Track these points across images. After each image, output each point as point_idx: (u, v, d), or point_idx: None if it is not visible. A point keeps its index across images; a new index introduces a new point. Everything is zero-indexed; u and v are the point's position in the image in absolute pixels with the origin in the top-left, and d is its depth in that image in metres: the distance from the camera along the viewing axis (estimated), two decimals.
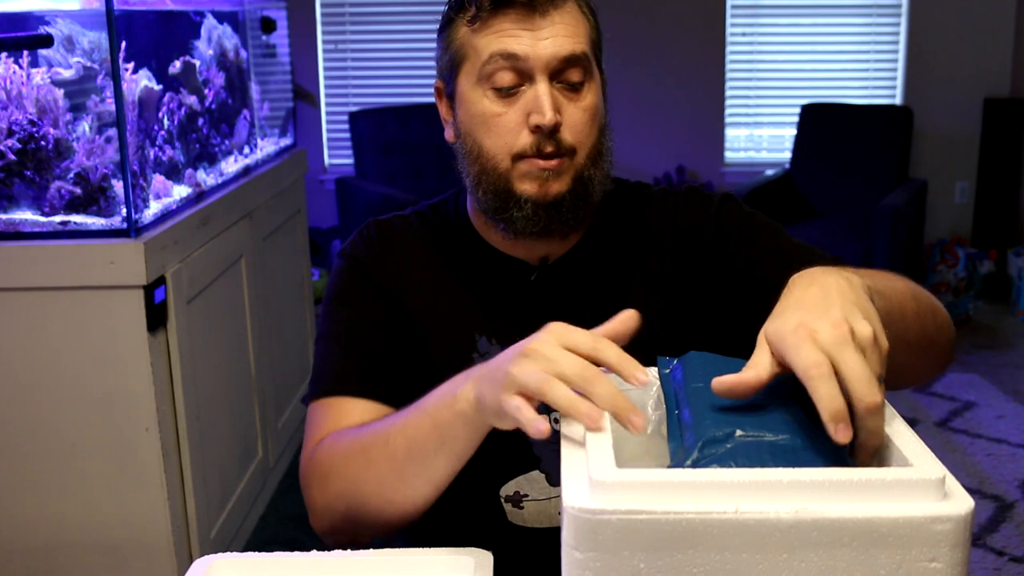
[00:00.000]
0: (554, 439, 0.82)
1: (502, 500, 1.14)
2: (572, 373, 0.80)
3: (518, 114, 1.06)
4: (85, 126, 2.12)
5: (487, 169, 1.08)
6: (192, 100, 2.57)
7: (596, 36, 1.12)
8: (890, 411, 0.80)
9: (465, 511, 1.13)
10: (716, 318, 1.16)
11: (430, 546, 1.10)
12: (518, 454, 1.14)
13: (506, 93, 1.06)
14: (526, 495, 1.14)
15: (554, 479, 1.13)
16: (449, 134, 1.16)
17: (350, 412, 1.09)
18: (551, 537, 0.70)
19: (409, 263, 1.18)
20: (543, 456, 1.14)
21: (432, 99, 1.24)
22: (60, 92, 2.10)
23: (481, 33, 1.07)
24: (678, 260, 1.18)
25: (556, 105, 1.05)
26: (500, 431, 0.89)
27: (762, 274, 1.12)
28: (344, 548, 0.96)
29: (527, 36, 1.04)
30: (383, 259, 1.18)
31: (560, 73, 1.06)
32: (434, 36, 1.22)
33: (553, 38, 1.05)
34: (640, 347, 0.90)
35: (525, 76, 1.06)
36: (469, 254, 1.19)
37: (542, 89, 1.05)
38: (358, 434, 1.02)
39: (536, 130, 1.05)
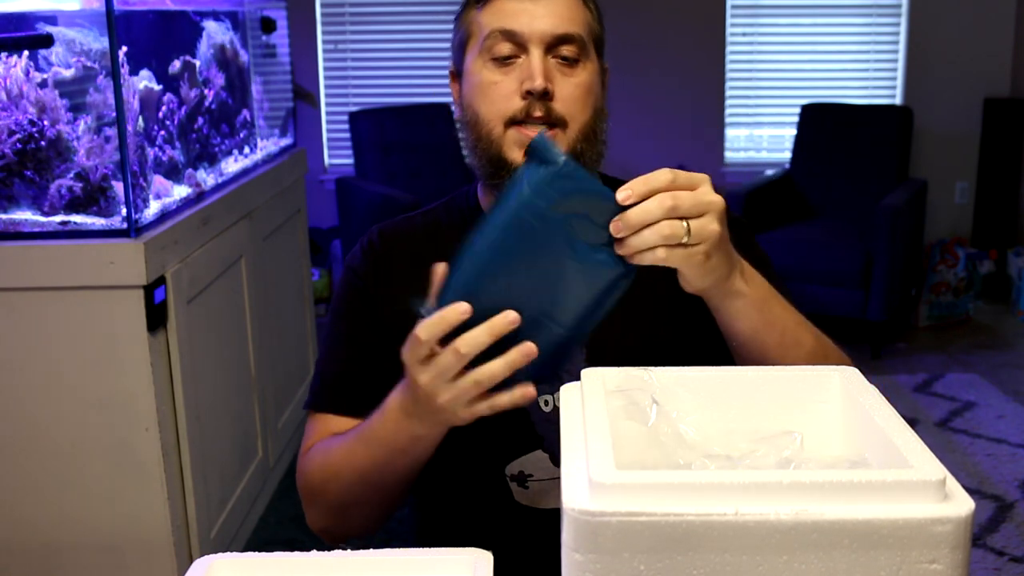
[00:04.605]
0: (554, 418, 0.83)
1: (507, 479, 1.17)
2: (457, 365, 0.89)
3: (513, 82, 1.12)
4: (84, 126, 2.11)
5: (482, 136, 1.14)
6: (192, 100, 2.57)
7: (597, 27, 1.18)
8: (890, 411, 0.80)
9: (472, 491, 1.18)
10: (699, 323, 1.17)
11: (438, 527, 1.18)
12: (521, 434, 1.17)
13: (503, 63, 1.13)
14: (530, 475, 1.17)
15: (557, 459, 1.15)
16: (457, 112, 1.22)
17: (334, 428, 1.18)
18: (556, 518, 0.71)
19: (409, 267, 1.21)
20: (545, 435, 1.16)
21: (432, 99, 1.29)
22: (60, 92, 2.10)
23: (485, 11, 1.15)
24: None
25: (548, 75, 1.12)
26: (503, 413, 0.96)
27: None
28: (343, 544, 0.98)
29: (524, 13, 1.12)
30: (383, 269, 1.23)
31: (555, 48, 1.13)
32: (434, 36, 1.26)
33: (549, 16, 1.12)
34: (644, 339, 0.93)
35: (521, 48, 1.13)
36: None
37: (535, 57, 1.12)
38: (327, 457, 1.13)
39: (527, 95, 1.11)
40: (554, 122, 1.12)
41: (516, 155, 1.12)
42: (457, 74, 1.21)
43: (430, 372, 0.90)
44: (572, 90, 1.12)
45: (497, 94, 1.12)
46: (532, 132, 1.11)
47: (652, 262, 0.89)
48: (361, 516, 1.14)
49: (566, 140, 1.12)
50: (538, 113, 1.11)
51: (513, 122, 1.12)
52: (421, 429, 0.99)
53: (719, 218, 0.90)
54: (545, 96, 1.10)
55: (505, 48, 1.12)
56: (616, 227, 0.87)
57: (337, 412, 1.19)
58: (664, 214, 0.87)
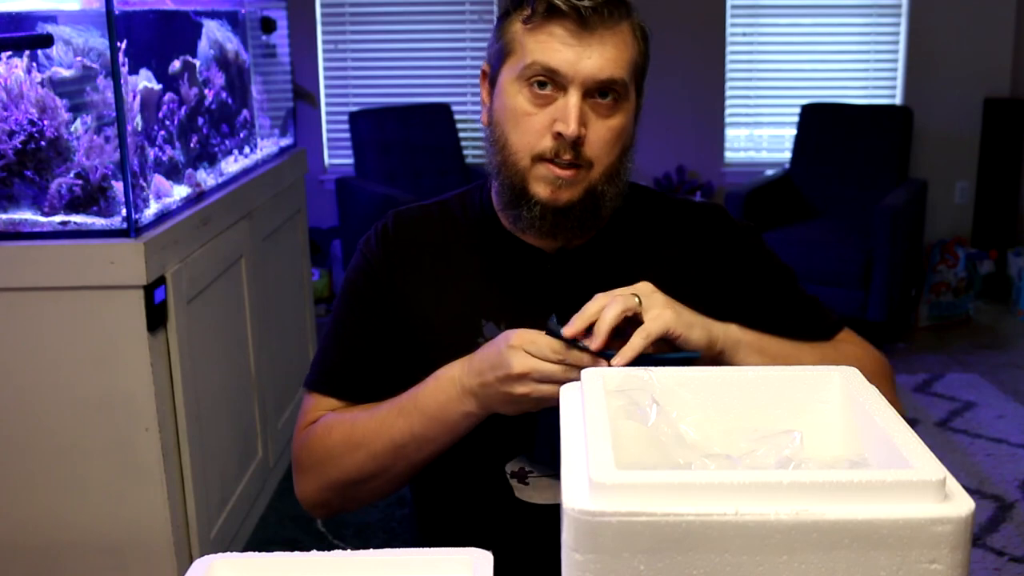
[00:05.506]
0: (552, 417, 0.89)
1: (508, 476, 1.18)
2: (552, 373, 1.00)
3: (546, 118, 1.11)
4: (83, 126, 2.11)
5: (508, 162, 1.14)
6: (192, 100, 2.57)
7: (642, 62, 1.16)
8: (890, 411, 0.80)
9: (473, 488, 1.20)
10: None
11: (438, 525, 1.21)
12: (520, 433, 1.18)
13: (540, 96, 1.11)
14: (531, 471, 1.18)
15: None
16: (484, 117, 1.21)
17: (329, 410, 1.22)
18: (557, 514, 0.71)
19: (421, 256, 1.23)
20: None
21: (432, 99, 1.29)
22: (60, 92, 2.09)
23: (532, 35, 1.11)
24: (690, 269, 1.23)
25: (583, 119, 1.10)
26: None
27: (768, 315, 1.20)
28: (342, 544, 0.98)
29: (570, 51, 1.09)
30: (395, 255, 1.23)
31: (594, 91, 1.11)
32: (434, 36, 1.26)
33: (595, 59, 1.09)
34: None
35: (560, 86, 1.10)
36: (488, 241, 1.24)
37: (572, 101, 1.10)
38: (353, 429, 1.15)
39: (558, 137, 1.10)
40: (580, 164, 1.12)
41: (540, 190, 1.12)
42: (490, 77, 1.19)
43: (532, 364, 0.99)
44: (604, 133, 1.12)
45: (529, 127, 1.11)
46: (560, 172, 1.11)
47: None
48: (371, 490, 1.16)
49: (588, 180, 1.13)
50: (567, 156, 1.10)
51: (541, 158, 1.12)
52: (473, 405, 1.05)
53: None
54: (576, 141, 1.10)
55: (544, 80, 1.11)
56: (576, 328, 1.00)
57: (337, 397, 1.21)
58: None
